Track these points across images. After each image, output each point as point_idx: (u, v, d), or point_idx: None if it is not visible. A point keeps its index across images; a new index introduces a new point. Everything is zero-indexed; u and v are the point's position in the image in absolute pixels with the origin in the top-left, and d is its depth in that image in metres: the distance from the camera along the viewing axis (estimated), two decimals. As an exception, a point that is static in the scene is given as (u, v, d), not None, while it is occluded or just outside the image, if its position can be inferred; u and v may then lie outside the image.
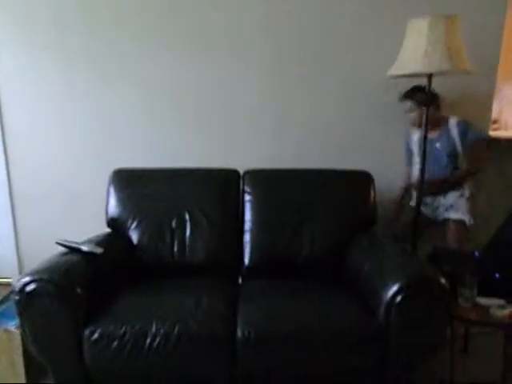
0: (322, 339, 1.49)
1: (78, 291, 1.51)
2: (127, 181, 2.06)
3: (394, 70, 1.99)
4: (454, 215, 2.18)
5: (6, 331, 1.84)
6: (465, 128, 2.12)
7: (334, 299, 1.69)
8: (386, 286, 1.50)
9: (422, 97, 2.04)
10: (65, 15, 2.30)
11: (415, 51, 1.90)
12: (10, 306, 1.89)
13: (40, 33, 2.32)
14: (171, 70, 2.34)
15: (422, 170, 1.98)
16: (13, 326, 1.84)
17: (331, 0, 2.23)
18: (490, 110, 2.35)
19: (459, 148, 2.14)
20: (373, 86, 2.28)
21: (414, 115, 2.17)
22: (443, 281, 1.48)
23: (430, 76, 1.98)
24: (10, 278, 2.63)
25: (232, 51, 2.31)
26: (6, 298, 1.93)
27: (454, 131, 2.12)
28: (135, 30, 2.31)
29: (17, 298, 1.51)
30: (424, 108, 1.98)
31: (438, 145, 2.16)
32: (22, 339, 1.80)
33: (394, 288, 1.47)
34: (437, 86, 2.00)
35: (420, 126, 2.10)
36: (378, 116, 2.34)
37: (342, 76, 2.31)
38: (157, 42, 2.32)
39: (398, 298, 1.46)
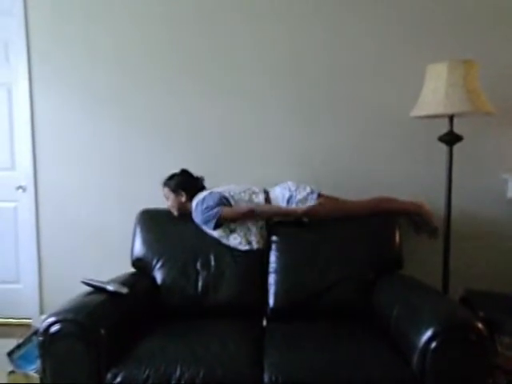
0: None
1: (101, 332, 1.49)
2: (153, 221, 2.08)
3: (417, 111, 2.04)
4: None
5: (25, 375, 1.80)
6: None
7: (363, 345, 1.60)
8: (419, 331, 1.44)
9: (173, 183, 2.09)
10: (95, 59, 2.48)
11: (436, 93, 1.95)
12: (31, 348, 1.87)
13: (72, 75, 2.50)
14: (193, 113, 2.45)
15: None
16: (32, 370, 1.81)
17: (354, 40, 2.35)
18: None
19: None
20: (397, 123, 2.33)
21: (172, 202, 2.08)
22: (480, 325, 1.40)
23: (451, 117, 2.02)
24: (30, 319, 2.61)
25: (258, 92, 2.41)
26: (27, 340, 1.90)
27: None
28: (161, 73, 2.44)
29: (40, 339, 1.48)
30: (178, 194, 2.06)
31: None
32: (41, 384, 1.75)
33: (428, 333, 1.40)
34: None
35: (179, 210, 2.07)
36: (403, 152, 2.37)
37: (368, 114, 2.38)
38: (182, 87, 2.44)
39: (433, 344, 1.39)
